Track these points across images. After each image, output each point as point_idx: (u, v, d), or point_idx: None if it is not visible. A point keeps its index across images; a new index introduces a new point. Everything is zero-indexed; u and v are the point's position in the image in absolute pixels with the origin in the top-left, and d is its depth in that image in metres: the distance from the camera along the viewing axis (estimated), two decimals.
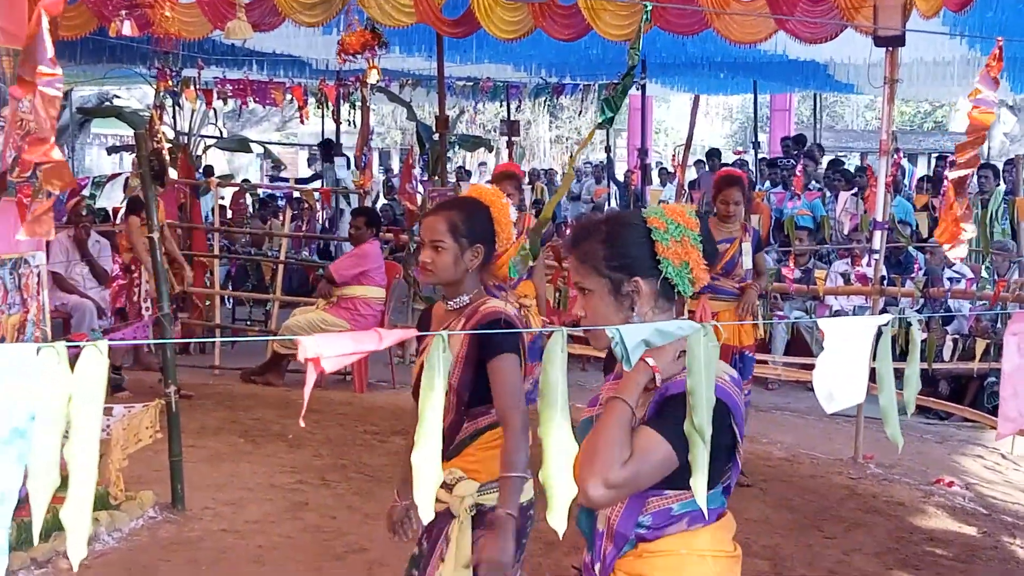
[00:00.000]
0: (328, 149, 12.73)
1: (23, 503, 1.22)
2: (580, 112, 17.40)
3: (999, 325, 7.14)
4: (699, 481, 1.58)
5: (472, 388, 2.34)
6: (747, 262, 5.81)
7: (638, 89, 9.69)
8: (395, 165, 16.51)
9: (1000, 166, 9.93)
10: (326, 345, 1.38)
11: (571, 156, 10.60)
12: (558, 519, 1.43)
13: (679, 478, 1.72)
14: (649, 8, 5.85)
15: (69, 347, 1.24)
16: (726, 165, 11.57)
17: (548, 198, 13.14)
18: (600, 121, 5.98)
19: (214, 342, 7.80)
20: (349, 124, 12.96)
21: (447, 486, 2.30)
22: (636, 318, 1.87)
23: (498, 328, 2.28)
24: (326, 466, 6.20)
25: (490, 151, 16.37)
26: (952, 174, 5.26)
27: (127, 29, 7.21)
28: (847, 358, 1.83)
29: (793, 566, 4.77)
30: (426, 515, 1.40)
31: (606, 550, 1.84)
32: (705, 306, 5.65)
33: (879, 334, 1.84)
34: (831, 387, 1.82)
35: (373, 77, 7.30)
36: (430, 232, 2.51)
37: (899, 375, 1.90)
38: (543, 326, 5.80)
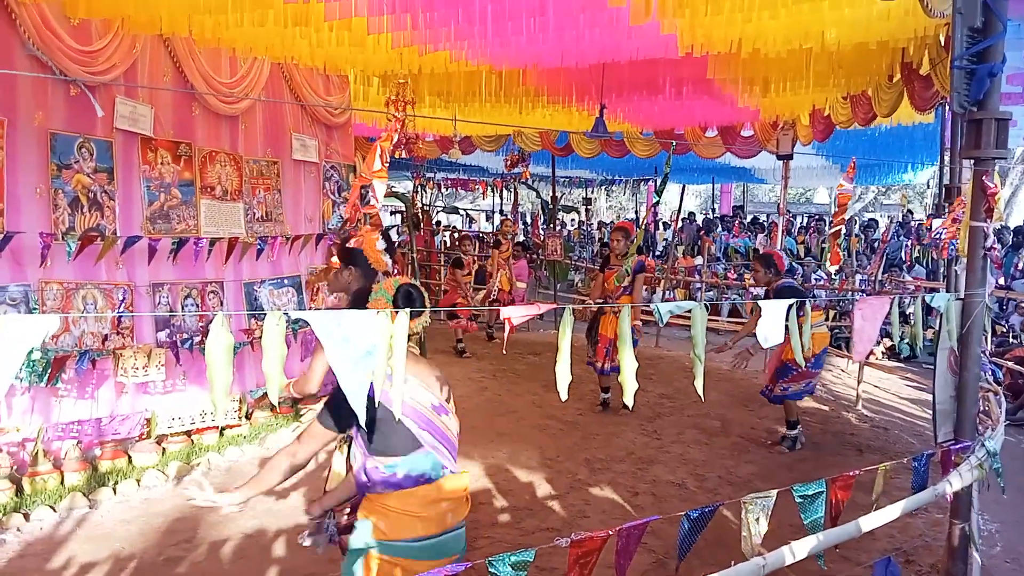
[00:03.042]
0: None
1: None
2: (623, 194, 25.51)
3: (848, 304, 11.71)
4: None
5: None
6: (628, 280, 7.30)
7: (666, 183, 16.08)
8: (528, 220, 24.28)
9: None
10: (514, 311, 2.19)
11: (644, 218, 16.21)
12: (629, 399, 2.48)
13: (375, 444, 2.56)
14: (674, 145, 10.43)
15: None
16: (696, 222, 17.79)
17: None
18: (656, 202, 11.57)
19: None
20: (505, 200, 20.03)
21: None
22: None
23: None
24: (495, 369, 9.27)
25: (577, 213, 24.05)
26: (831, 230, 9.23)
27: (403, 153, 13.75)
28: (773, 321, 2.69)
29: (731, 427, 7.13)
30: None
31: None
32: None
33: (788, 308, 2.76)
34: (766, 334, 2.76)
35: (526, 176, 13.53)
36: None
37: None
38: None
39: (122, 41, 5.71)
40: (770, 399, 6.90)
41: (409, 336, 2.50)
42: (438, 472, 2.62)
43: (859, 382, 8.47)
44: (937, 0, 4.09)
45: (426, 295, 2.68)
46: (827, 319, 11.76)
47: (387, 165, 4.37)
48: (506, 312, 2.20)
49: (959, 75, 2.75)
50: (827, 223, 12.99)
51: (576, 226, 22.48)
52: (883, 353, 10.44)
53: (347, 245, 3.09)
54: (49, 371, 5.26)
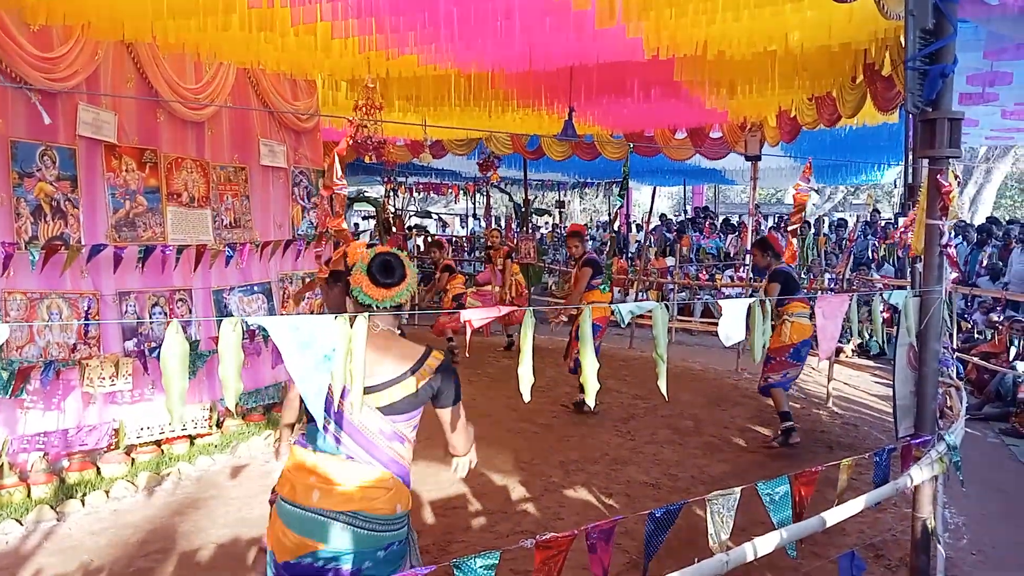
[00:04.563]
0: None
1: None
2: (596, 196, 26.01)
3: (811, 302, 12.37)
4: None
5: None
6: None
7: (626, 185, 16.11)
8: (502, 223, 24.77)
9: (811, 221, 15.75)
10: (475, 314, 2.26)
11: (609, 223, 16.61)
12: (591, 400, 2.60)
13: None
14: (632, 146, 11.77)
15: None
16: (671, 222, 17.99)
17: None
18: (618, 206, 11.82)
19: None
20: (478, 203, 20.23)
21: None
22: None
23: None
24: (470, 373, 9.21)
25: (550, 216, 24.62)
26: (790, 228, 9.63)
27: (372, 158, 13.70)
28: (734, 319, 2.69)
29: (704, 426, 7.30)
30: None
31: None
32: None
33: (749, 308, 2.76)
34: (727, 333, 2.75)
35: (495, 179, 13.65)
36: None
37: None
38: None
39: (84, 47, 5.64)
40: (759, 390, 7.08)
41: (400, 307, 2.48)
42: (318, 444, 2.55)
43: (829, 380, 8.56)
44: (893, 2, 4.16)
45: (410, 264, 2.53)
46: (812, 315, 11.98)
47: (345, 172, 4.38)
48: (466, 315, 2.22)
49: (912, 76, 2.80)
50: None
51: (550, 229, 22.61)
52: (853, 350, 10.56)
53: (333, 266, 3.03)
54: (13, 382, 5.18)
